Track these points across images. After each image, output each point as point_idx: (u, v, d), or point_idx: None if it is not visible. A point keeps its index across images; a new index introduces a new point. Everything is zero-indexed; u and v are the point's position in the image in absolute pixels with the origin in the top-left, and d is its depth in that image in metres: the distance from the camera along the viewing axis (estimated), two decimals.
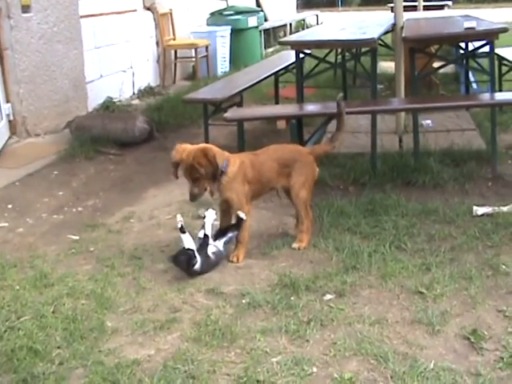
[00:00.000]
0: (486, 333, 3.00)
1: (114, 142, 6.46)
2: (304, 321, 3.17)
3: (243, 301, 3.40)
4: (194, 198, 3.95)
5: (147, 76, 9.51)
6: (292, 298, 3.39)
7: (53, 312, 3.36)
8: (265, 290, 3.50)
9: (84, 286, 3.65)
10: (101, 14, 8.34)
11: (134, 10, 9.37)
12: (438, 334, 3.03)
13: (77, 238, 4.40)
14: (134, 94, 9.07)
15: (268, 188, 4.15)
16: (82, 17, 7.54)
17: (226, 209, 4.03)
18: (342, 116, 4.25)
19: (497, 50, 6.29)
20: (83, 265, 3.97)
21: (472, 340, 2.95)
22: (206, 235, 3.81)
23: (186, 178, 3.90)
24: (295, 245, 4.04)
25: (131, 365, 2.88)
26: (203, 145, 3.99)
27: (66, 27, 7.15)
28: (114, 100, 7.93)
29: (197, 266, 3.69)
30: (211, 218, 3.92)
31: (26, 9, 6.59)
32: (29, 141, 6.69)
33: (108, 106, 7.71)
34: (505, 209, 4.35)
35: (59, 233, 4.50)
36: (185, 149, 3.86)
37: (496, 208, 4.37)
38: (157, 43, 9.90)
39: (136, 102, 8.74)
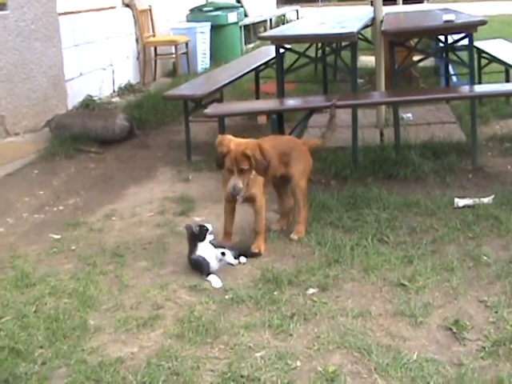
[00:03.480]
0: (468, 323, 3.02)
1: (94, 140, 6.43)
2: (287, 315, 3.17)
3: (226, 296, 3.40)
4: (237, 192, 3.76)
5: (127, 73, 9.46)
6: (275, 293, 3.39)
7: (35, 312, 3.34)
8: (248, 286, 3.50)
9: (66, 284, 3.62)
10: (79, 12, 8.28)
11: (113, 7, 9.32)
12: (420, 325, 3.04)
13: (58, 237, 4.37)
14: (114, 91, 9.02)
15: (272, 177, 4.07)
16: (60, 14, 7.47)
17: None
18: (333, 119, 4.33)
19: (476, 43, 6.33)
20: (65, 264, 3.94)
21: (454, 331, 2.97)
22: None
23: (230, 168, 3.75)
24: (294, 236, 4.04)
25: (114, 363, 2.86)
26: (256, 140, 3.88)
27: (43, 25, 7.09)
28: (94, 98, 7.88)
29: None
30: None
31: (2, 6, 6.53)
32: (8, 140, 6.63)
33: (88, 104, 7.67)
34: (485, 200, 4.38)
35: (40, 232, 4.47)
36: (231, 140, 3.79)
37: (477, 200, 4.40)
38: (136, 40, 9.85)
39: (116, 99, 8.70)
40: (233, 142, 3.77)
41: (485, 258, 3.64)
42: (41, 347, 3.02)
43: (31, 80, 6.91)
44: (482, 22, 5.42)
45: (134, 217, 4.64)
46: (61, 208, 4.95)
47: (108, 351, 2.98)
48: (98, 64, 8.61)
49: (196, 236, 3.70)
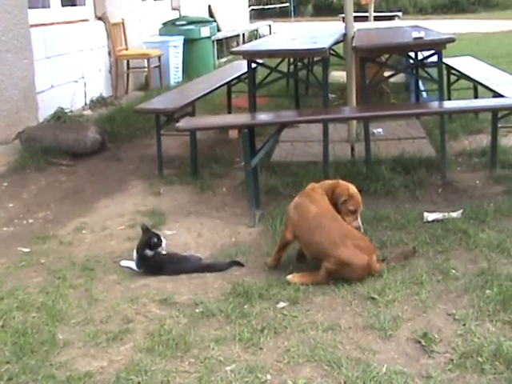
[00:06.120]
0: (436, 336, 3.04)
1: (65, 153, 6.38)
2: (258, 329, 3.17)
3: (197, 310, 3.39)
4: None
5: (99, 86, 9.42)
6: (245, 307, 3.39)
7: (2, 326, 3.30)
8: (218, 299, 3.50)
9: (35, 298, 3.58)
10: (52, 24, 8.24)
11: (86, 20, 9.29)
12: (390, 338, 3.06)
13: (27, 250, 4.32)
14: (85, 104, 8.97)
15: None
16: (32, 26, 7.43)
17: None
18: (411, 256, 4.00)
19: (445, 60, 6.41)
20: (34, 277, 3.90)
21: (423, 343, 3.00)
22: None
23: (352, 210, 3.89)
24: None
25: (83, 377, 2.84)
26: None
27: (15, 36, 7.04)
28: (66, 110, 7.82)
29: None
30: None
31: None
32: None
33: (59, 117, 7.60)
34: (454, 214, 4.44)
35: (9, 245, 4.42)
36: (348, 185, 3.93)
37: (446, 214, 4.45)
38: (109, 53, 9.81)
39: (88, 112, 8.64)
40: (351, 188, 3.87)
41: (453, 271, 3.68)
42: (7, 362, 2.98)
43: (2, 92, 6.85)
44: (451, 40, 5.51)
45: (104, 230, 4.61)
46: (30, 221, 4.90)
47: (77, 366, 2.95)
48: (69, 77, 8.56)
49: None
